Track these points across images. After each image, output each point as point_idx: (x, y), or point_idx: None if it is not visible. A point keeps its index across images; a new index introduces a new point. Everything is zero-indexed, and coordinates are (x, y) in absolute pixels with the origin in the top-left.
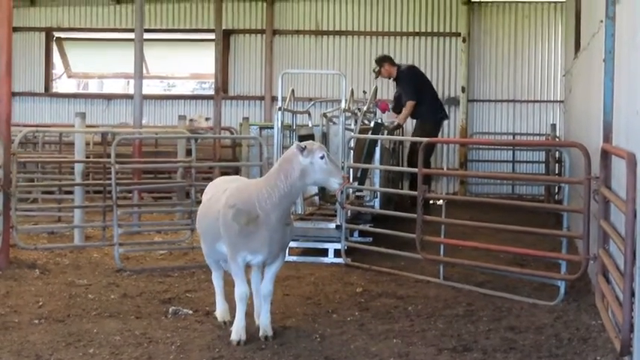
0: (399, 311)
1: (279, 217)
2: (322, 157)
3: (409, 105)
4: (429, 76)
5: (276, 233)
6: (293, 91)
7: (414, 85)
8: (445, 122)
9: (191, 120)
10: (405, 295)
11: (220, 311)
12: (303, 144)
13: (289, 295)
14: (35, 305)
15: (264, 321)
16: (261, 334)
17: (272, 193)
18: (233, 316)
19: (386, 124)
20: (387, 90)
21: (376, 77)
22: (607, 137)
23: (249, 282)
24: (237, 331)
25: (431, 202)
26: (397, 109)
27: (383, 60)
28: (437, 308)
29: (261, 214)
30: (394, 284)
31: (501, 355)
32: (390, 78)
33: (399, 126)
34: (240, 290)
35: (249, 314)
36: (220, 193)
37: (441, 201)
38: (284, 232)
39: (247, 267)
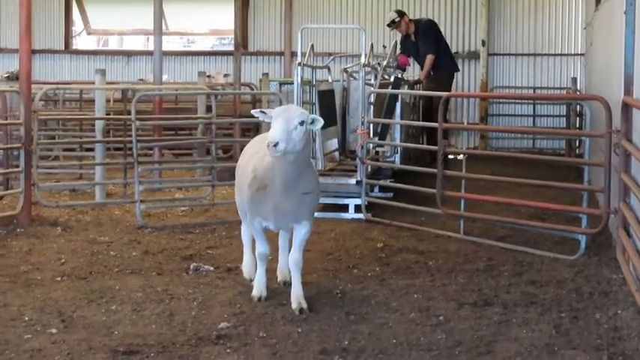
0: (419, 266)
1: (285, 185)
2: (303, 124)
3: (429, 59)
4: (449, 31)
5: (284, 202)
6: (312, 46)
7: (434, 39)
8: (465, 76)
9: (209, 76)
10: (426, 250)
11: (247, 268)
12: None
13: (310, 250)
14: (57, 262)
15: (296, 292)
16: (295, 306)
17: (273, 161)
18: None
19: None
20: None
21: (391, 29)
22: (628, 90)
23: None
24: (259, 288)
25: (451, 156)
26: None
27: (404, 13)
28: (457, 263)
29: (269, 183)
30: (415, 239)
31: (522, 310)
32: (406, 33)
33: (419, 81)
34: (259, 250)
35: (271, 270)
36: (254, 158)
37: (462, 156)
38: (298, 202)
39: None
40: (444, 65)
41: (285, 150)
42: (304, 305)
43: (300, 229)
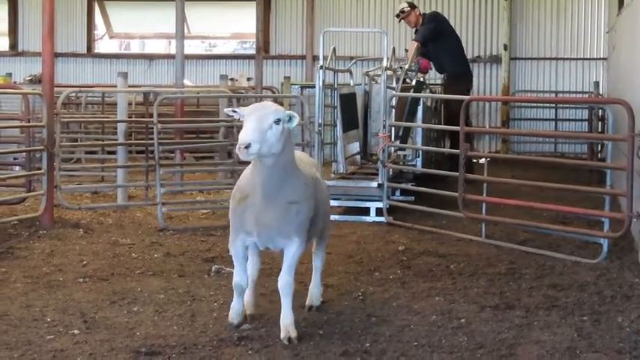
0: (441, 269)
1: (265, 193)
2: (277, 122)
3: (412, 45)
4: (470, 34)
5: (266, 213)
6: (334, 49)
7: (431, 29)
8: (487, 80)
9: (232, 79)
10: (447, 254)
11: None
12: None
13: (331, 253)
14: (79, 264)
15: (285, 320)
16: (283, 335)
17: (253, 167)
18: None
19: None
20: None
21: (399, 20)
22: None
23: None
24: (234, 315)
25: (473, 160)
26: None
27: (415, 6)
28: (479, 266)
29: (250, 191)
30: (436, 242)
31: (543, 313)
32: (414, 27)
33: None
34: (236, 279)
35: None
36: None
37: (483, 159)
38: (283, 212)
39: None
40: (454, 64)
41: (259, 152)
42: (293, 334)
43: (290, 246)
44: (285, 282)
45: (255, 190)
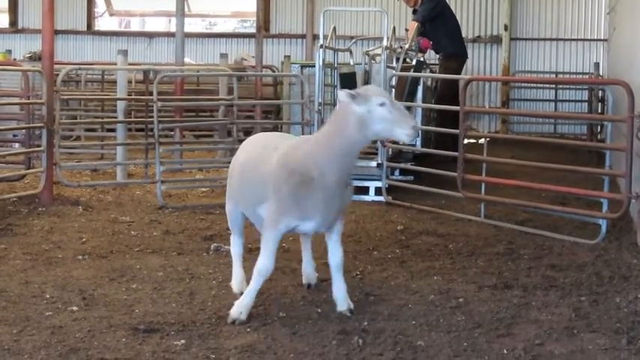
0: (439, 249)
1: (338, 178)
2: (382, 104)
3: (412, 25)
4: (471, 15)
5: (333, 197)
6: (335, 28)
7: (431, 8)
8: (487, 60)
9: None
10: (446, 233)
11: (238, 282)
12: (355, 90)
13: None
14: (79, 241)
15: (340, 295)
16: (344, 308)
17: (329, 151)
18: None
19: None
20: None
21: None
22: None
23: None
24: (239, 308)
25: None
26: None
27: None
28: (477, 246)
29: (316, 175)
30: (435, 222)
31: (542, 293)
32: (413, 7)
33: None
34: (266, 265)
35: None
36: (269, 150)
37: (483, 139)
38: (342, 196)
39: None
40: (452, 46)
41: None
42: (352, 306)
43: (338, 225)
44: (339, 259)
45: (325, 175)
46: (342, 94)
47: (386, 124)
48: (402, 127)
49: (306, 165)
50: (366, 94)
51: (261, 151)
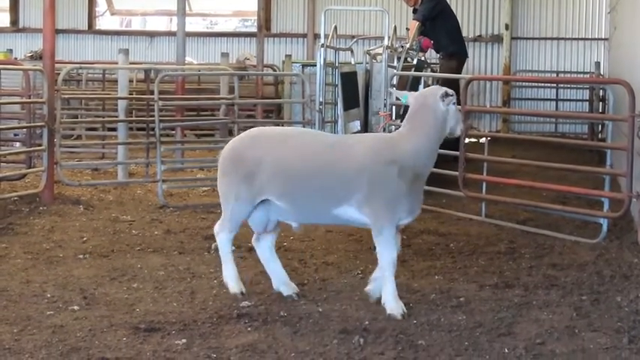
0: (440, 248)
1: (428, 170)
2: (455, 103)
3: (413, 25)
4: (472, 14)
5: (422, 189)
6: (336, 28)
7: (431, 8)
8: (488, 60)
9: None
10: (447, 233)
11: (236, 281)
12: (444, 90)
13: (332, 231)
14: (79, 240)
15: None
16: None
17: (430, 145)
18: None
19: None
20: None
21: None
22: None
23: None
24: (395, 306)
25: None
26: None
27: None
28: (478, 245)
29: (420, 170)
30: (436, 222)
31: (543, 292)
32: (413, 6)
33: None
34: (392, 256)
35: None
36: (323, 147)
37: (484, 138)
38: None
39: None
40: (452, 45)
41: None
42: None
43: None
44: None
45: (427, 168)
46: (440, 92)
47: (455, 121)
48: (460, 123)
49: (415, 160)
50: (450, 94)
51: (322, 149)
